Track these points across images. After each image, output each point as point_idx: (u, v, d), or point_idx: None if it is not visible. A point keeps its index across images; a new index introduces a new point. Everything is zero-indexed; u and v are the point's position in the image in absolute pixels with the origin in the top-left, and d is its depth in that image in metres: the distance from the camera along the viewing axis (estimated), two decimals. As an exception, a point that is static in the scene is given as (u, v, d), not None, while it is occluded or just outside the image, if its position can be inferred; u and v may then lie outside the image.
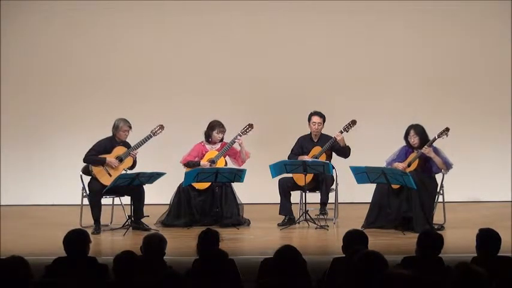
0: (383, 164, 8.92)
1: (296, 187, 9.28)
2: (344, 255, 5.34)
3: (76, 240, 5.50)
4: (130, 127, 9.05)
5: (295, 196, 9.39)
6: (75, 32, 11.21)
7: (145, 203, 8.97)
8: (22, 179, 11.23)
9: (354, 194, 10.22)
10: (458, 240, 7.66)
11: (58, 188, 11.03)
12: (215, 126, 9.34)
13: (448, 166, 8.84)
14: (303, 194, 9.15)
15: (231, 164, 9.41)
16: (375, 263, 4.38)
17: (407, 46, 11.17)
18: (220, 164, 9.25)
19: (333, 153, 9.33)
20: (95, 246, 7.62)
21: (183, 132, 10.54)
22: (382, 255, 4.49)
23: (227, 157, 9.40)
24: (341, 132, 9.19)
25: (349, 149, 9.26)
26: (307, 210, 9.02)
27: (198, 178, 8.93)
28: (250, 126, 9.38)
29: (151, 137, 9.09)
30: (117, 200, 9.30)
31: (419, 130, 8.86)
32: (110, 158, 8.98)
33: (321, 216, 9.08)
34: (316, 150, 9.30)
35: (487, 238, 5.45)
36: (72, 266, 5.36)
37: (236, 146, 9.34)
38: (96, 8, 11.15)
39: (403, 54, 11.17)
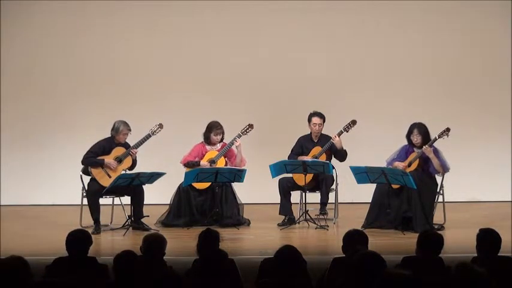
0: (383, 164, 8.92)
1: (296, 187, 9.27)
2: (344, 255, 5.34)
3: (78, 240, 5.51)
4: (130, 130, 9.02)
5: (295, 196, 9.38)
6: (75, 33, 11.19)
7: (145, 203, 8.97)
8: (22, 179, 11.22)
9: (354, 194, 10.22)
10: (458, 240, 7.64)
11: (58, 188, 11.02)
12: (212, 127, 9.32)
13: (445, 169, 8.83)
14: (303, 194, 9.14)
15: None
16: (374, 263, 4.37)
17: (408, 46, 11.16)
18: (220, 164, 9.24)
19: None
20: (95, 246, 7.58)
21: (183, 132, 10.55)
22: (381, 255, 4.49)
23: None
24: (338, 134, 9.19)
25: (346, 152, 9.25)
26: (307, 210, 9.02)
27: (198, 178, 8.93)
28: (251, 126, 9.38)
29: (150, 136, 9.08)
30: (117, 200, 9.28)
31: (422, 129, 8.86)
32: (109, 159, 8.96)
33: (321, 216, 9.07)
34: (316, 150, 9.30)
35: (487, 238, 5.44)
36: (72, 266, 5.36)
37: (234, 147, 9.32)
38: (95, 9, 11.15)
39: (403, 54, 11.16)
